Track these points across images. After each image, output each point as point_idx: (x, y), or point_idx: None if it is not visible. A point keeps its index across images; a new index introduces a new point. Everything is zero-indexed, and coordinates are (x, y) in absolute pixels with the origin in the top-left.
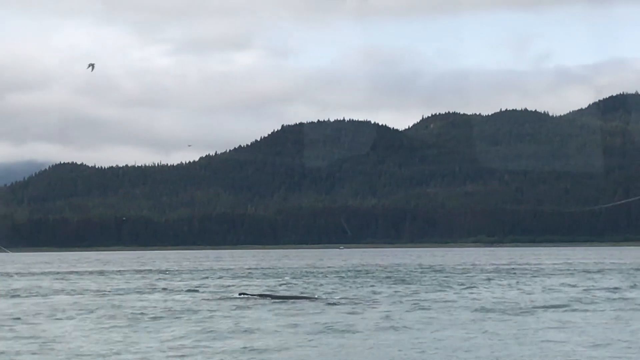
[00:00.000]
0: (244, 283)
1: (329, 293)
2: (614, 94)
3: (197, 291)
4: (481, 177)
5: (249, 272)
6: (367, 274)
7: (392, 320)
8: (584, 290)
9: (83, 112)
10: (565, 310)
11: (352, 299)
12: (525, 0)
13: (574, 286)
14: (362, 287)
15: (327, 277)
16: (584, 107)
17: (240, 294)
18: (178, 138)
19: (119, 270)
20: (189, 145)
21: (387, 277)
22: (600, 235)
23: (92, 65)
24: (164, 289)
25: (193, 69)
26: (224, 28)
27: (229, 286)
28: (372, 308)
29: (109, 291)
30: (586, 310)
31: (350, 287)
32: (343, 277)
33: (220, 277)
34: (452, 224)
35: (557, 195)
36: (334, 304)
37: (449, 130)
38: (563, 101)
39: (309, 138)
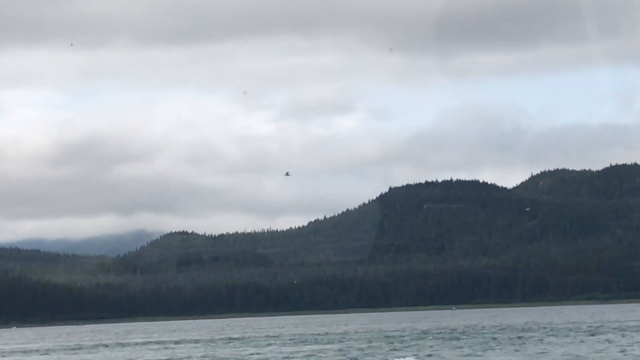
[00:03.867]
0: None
1: None
2: None
3: None
4: (593, 233)
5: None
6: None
7: None
8: None
9: (189, 181)
10: None
11: None
12: (625, 53)
13: None
14: None
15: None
16: None
17: None
18: (284, 203)
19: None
20: (287, 174)
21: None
22: None
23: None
24: None
25: (296, 134)
26: (325, 92)
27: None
28: None
29: None
30: None
31: None
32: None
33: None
34: (565, 281)
35: None
36: None
37: (559, 186)
38: None
39: (416, 199)
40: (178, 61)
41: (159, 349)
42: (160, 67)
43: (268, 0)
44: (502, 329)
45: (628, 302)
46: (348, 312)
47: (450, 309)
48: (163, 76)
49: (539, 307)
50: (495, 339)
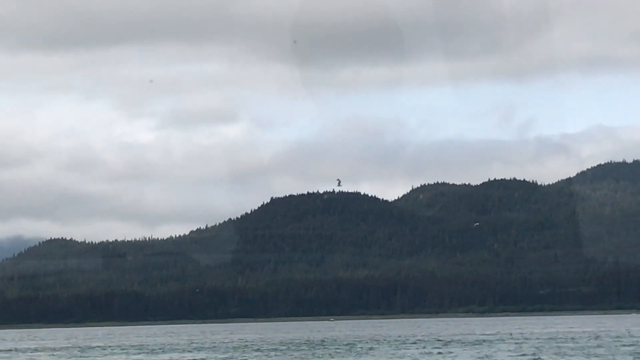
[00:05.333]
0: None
1: None
2: (602, 163)
3: None
4: (472, 246)
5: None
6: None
7: None
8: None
9: (69, 188)
10: None
11: None
12: (509, 70)
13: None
14: None
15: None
16: (572, 176)
17: None
18: (165, 212)
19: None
20: (338, 181)
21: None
22: (591, 303)
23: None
24: None
25: (178, 142)
26: (209, 101)
27: None
28: None
29: None
30: None
31: None
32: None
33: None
34: (443, 294)
35: (547, 264)
36: None
37: (438, 200)
38: (549, 170)
39: (298, 211)
40: (61, 66)
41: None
42: (43, 71)
43: (154, 7)
44: (350, 342)
45: (504, 315)
46: (227, 322)
47: (329, 319)
48: (45, 81)
49: (417, 319)
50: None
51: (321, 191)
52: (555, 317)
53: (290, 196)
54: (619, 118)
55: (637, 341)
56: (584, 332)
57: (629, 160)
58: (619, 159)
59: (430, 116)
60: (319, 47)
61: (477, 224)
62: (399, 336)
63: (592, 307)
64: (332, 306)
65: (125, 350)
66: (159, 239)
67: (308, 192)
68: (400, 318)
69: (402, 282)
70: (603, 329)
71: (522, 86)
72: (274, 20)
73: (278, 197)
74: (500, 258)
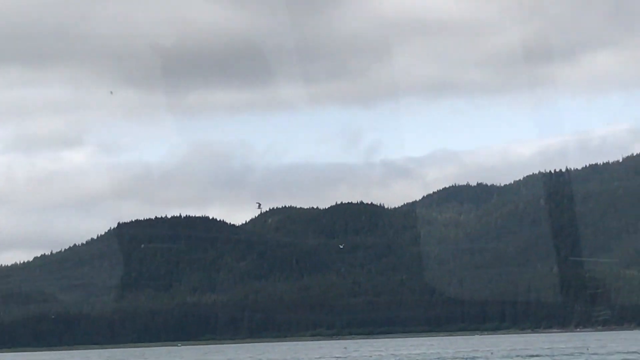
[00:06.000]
0: None
1: None
2: (446, 186)
3: None
4: (319, 270)
5: None
6: None
7: None
8: None
9: None
10: None
11: None
12: (355, 94)
13: None
14: None
15: None
16: (417, 199)
17: None
18: (8, 237)
19: None
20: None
21: None
22: (436, 325)
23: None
24: None
25: (22, 167)
26: (53, 125)
27: None
28: None
29: None
30: None
31: None
32: None
33: None
34: (291, 317)
35: (394, 287)
36: None
37: (287, 224)
38: (395, 193)
39: (146, 235)
40: None
41: None
42: None
43: None
44: None
45: (351, 339)
46: (73, 349)
47: (176, 345)
48: None
49: (264, 344)
50: None
51: (169, 216)
52: (401, 339)
53: (137, 221)
54: (462, 142)
55: None
56: (432, 353)
57: (473, 183)
58: (463, 182)
59: (278, 140)
60: (167, 71)
61: (342, 245)
62: None
63: (437, 330)
64: (180, 332)
65: None
66: (3, 265)
67: (155, 217)
68: (248, 343)
69: (250, 307)
70: (449, 351)
71: (368, 110)
72: (121, 43)
73: (125, 222)
74: (348, 281)
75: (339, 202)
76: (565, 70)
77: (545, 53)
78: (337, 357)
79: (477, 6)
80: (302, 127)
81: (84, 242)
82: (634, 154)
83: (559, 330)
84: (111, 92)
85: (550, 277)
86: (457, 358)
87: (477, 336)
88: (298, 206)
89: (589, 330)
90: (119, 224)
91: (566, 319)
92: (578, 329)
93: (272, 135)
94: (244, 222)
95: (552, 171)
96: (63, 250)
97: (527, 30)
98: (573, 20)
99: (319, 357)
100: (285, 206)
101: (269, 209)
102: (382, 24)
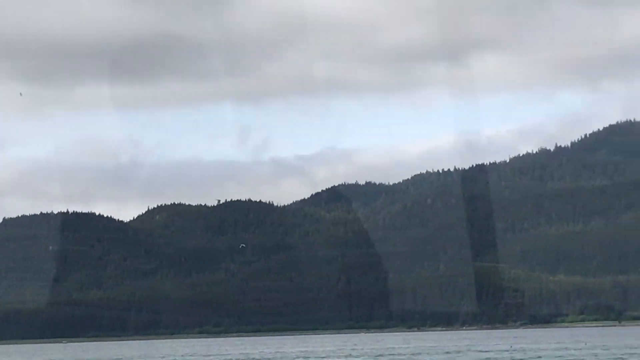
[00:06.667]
0: None
1: None
2: (335, 184)
3: None
4: (207, 267)
5: None
6: None
7: None
8: None
9: None
10: None
11: None
12: (246, 91)
13: None
14: None
15: None
16: (306, 197)
17: None
18: None
19: None
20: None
21: None
22: (324, 323)
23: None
24: None
25: None
26: None
27: None
28: None
29: None
30: None
31: None
32: None
33: None
34: (178, 315)
35: (283, 284)
36: None
37: (175, 221)
38: (284, 191)
39: (31, 231)
40: None
41: None
42: None
43: None
44: None
45: (238, 336)
46: None
47: (61, 342)
48: None
49: (151, 341)
50: None
51: (55, 212)
52: (290, 337)
53: (23, 217)
54: (351, 141)
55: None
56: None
57: (362, 182)
58: (351, 180)
59: (167, 136)
60: (54, 66)
61: (243, 245)
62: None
63: (324, 328)
64: (65, 329)
65: None
66: None
67: (41, 212)
68: (134, 340)
69: (136, 304)
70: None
71: (258, 108)
72: (9, 39)
73: (10, 218)
74: (236, 279)
75: (228, 200)
76: (454, 71)
77: (434, 54)
78: (207, 356)
79: (367, 6)
80: (191, 124)
81: None
82: (521, 155)
83: (444, 329)
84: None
85: (437, 276)
86: (328, 357)
87: (362, 333)
88: (187, 203)
89: (474, 329)
90: (4, 219)
91: (451, 318)
92: (464, 328)
93: (160, 131)
94: (131, 219)
95: (440, 171)
96: None
97: (417, 31)
98: (462, 21)
99: (185, 355)
100: (173, 203)
101: (157, 205)
102: (274, 22)
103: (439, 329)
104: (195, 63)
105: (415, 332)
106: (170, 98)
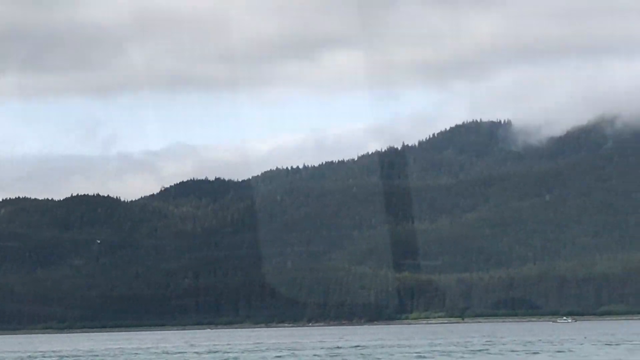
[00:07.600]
0: None
1: None
2: (184, 180)
3: None
4: (53, 263)
5: None
6: None
7: None
8: None
9: None
10: None
11: None
12: (94, 85)
13: None
14: None
15: None
16: (154, 193)
17: None
18: None
19: None
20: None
21: None
22: (170, 319)
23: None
24: None
25: None
26: None
27: None
28: None
29: None
30: None
31: None
32: None
33: None
34: (22, 310)
35: (128, 280)
36: None
37: (20, 215)
38: (132, 186)
39: None
40: None
41: None
42: None
43: None
44: None
45: (83, 332)
46: None
47: None
48: None
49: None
50: None
51: None
52: (134, 333)
53: None
54: (200, 136)
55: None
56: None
57: (211, 177)
58: (201, 176)
59: (12, 130)
60: None
61: (99, 241)
62: None
63: (171, 323)
64: None
65: None
66: None
67: None
68: None
69: None
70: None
71: (106, 102)
72: None
73: None
74: (82, 274)
75: (74, 194)
76: (304, 68)
77: (285, 50)
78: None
79: (218, 3)
80: (38, 118)
81: None
82: (369, 153)
83: (291, 325)
84: None
85: (284, 272)
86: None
87: (208, 330)
88: (32, 197)
89: (321, 325)
90: None
91: (298, 315)
92: (310, 324)
93: (6, 124)
94: None
95: (289, 168)
96: None
97: (268, 27)
98: (313, 19)
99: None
100: (18, 197)
101: (2, 199)
102: (123, 16)
103: (286, 325)
104: (43, 56)
105: (263, 329)
106: (16, 91)
